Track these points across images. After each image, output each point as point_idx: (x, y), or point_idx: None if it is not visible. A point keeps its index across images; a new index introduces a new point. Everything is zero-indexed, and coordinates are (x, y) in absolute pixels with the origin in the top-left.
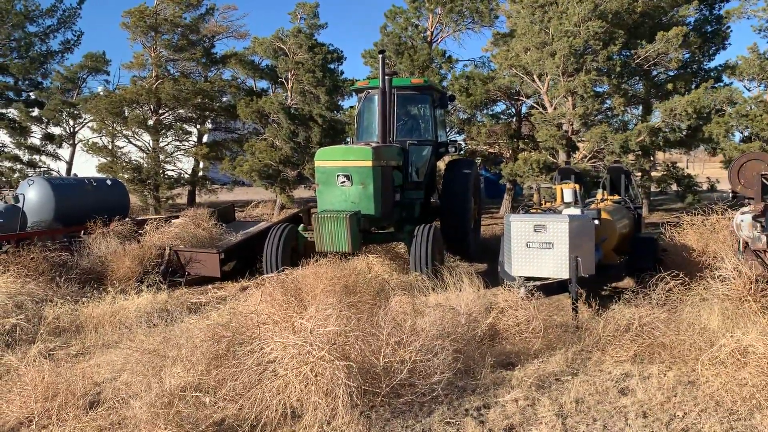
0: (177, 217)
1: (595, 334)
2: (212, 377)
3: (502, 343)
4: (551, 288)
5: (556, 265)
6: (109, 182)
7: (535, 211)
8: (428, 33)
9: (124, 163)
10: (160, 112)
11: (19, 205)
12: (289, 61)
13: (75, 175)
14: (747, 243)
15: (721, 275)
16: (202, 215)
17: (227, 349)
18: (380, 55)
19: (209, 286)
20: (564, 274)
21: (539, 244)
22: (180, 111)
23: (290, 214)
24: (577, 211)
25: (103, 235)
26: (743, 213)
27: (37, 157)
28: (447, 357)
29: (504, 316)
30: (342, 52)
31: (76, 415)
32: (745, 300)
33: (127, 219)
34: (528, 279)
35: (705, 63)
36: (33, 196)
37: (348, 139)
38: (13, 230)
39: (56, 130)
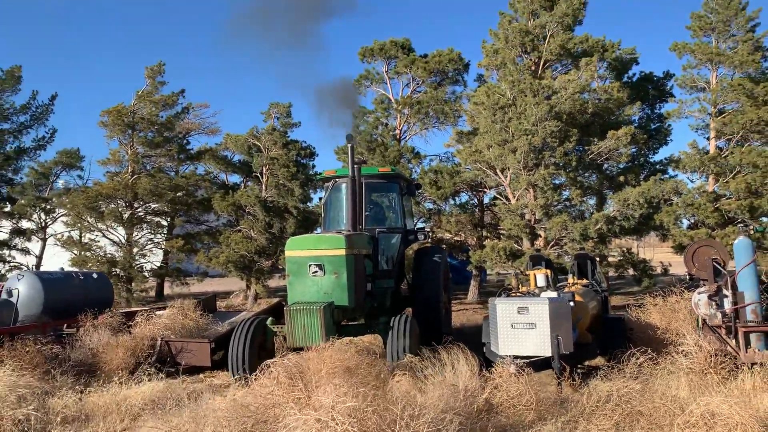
0: (163, 308)
1: (579, 405)
2: None
3: (498, 416)
4: (537, 364)
5: (539, 343)
6: (95, 276)
7: (515, 294)
8: (397, 131)
9: (98, 257)
10: (135, 206)
11: (13, 299)
12: (264, 156)
13: (62, 269)
14: (705, 320)
15: (683, 350)
16: (188, 306)
17: (253, 427)
18: (349, 143)
19: (201, 375)
20: (547, 351)
21: (523, 324)
22: (154, 205)
23: (271, 305)
24: (554, 294)
25: (94, 328)
26: (700, 293)
27: (6, 251)
28: (454, 429)
29: (498, 391)
30: (314, 148)
31: None
32: (707, 372)
33: (117, 312)
34: (515, 357)
35: (650, 156)
36: (22, 290)
37: (317, 229)
38: (6, 324)
39: (26, 224)
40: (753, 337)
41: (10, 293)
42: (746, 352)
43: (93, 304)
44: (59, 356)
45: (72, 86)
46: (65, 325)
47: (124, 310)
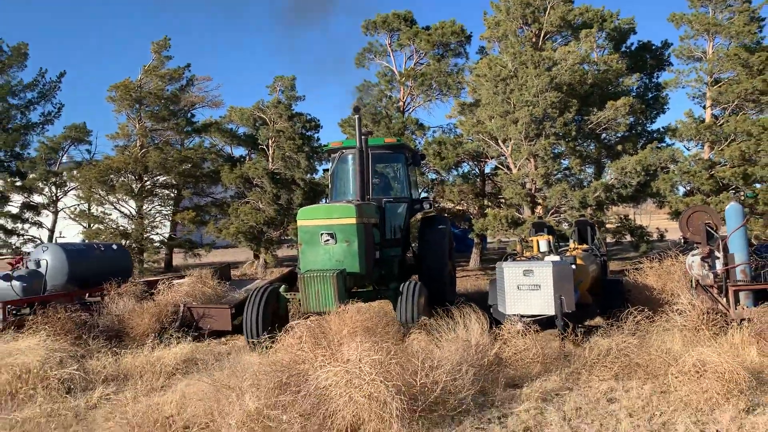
0: (182, 277)
1: (582, 359)
2: (280, 401)
3: (507, 368)
4: (542, 322)
5: (543, 303)
6: (114, 247)
7: (520, 259)
8: (401, 103)
9: (111, 229)
10: (144, 179)
11: (41, 270)
12: (270, 129)
13: (83, 240)
14: (698, 280)
15: (678, 309)
16: (206, 274)
17: (288, 379)
18: (356, 114)
19: (223, 339)
20: (551, 310)
21: (528, 286)
22: (163, 178)
23: (284, 273)
24: (557, 258)
25: (118, 296)
26: (693, 255)
27: (19, 225)
28: (468, 378)
29: (507, 346)
30: (318, 120)
31: None
32: (700, 329)
33: (139, 280)
34: (522, 316)
35: (648, 125)
36: (48, 260)
37: (323, 200)
38: (37, 293)
39: (37, 199)
40: (742, 295)
41: (38, 264)
42: (736, 309)
43: (113, 273)
44: (87, 323)
45: (74, 61)
46: (86, 294)
47: (145, 279)
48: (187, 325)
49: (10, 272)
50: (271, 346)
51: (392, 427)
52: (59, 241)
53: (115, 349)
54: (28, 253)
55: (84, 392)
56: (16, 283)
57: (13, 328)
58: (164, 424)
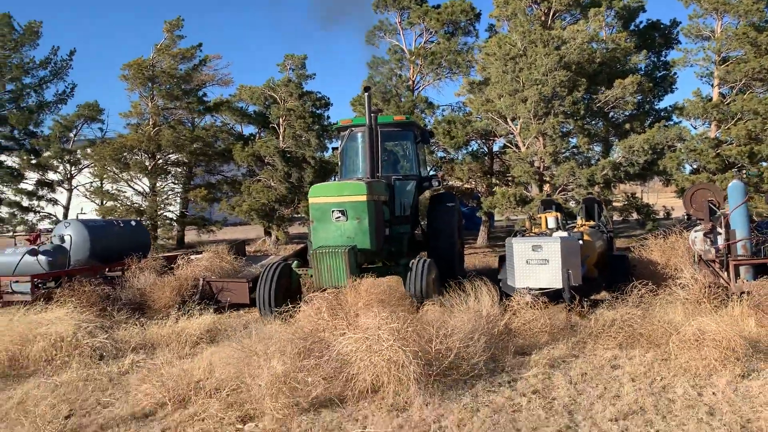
0: (200, 252)
1: (587, 329)
2: (304, 365)
3: (516, 338)
4: (549, 295)
5: (551, 277)
6: (133, 223)
7: (529, 235)
8: (410, 82)
9: (126, 206)
10: (157, 157)
11: (66, 245)
12: (280, 107)
13: (102, 217)
14: (700, 255)
15: (681, 282)
16: (223, 250)
17: (311, 345)
18: (366, 93)
19: (241, 311)
20: (558, 284)
21: (537, 260)
22: (174, 156)
23: (297, 249)
24: (565, 234)
25: (140, 270)
26: (696, 231)
27: (35, 202)
28: (480, 346)
29: (516, 317)
30: (329, 98)
31: (203, 397)
32: (701, 302)
33: (159, 255)
34: (530, 289)
35: (656, 104)
36: (72, 236)
37: (333, 177)
38: (62, 267)
39: (51, 176)
40: (742, 269)
41: (62, 239)
42: (736, 282)
43: (133, 249)
44: (110, 296)
45: (85, 41)
46: (107, 269)
47: (164, 255)
48: (207, 298)
49: (36, 247)
50: (291, 317)
51: (410, 389)
52: (80, 217)
53: (141, 319)
54: (45, 230)
55: (115, 359)
56: (42, 258)
57: (42, 300)
58: (196, 387)
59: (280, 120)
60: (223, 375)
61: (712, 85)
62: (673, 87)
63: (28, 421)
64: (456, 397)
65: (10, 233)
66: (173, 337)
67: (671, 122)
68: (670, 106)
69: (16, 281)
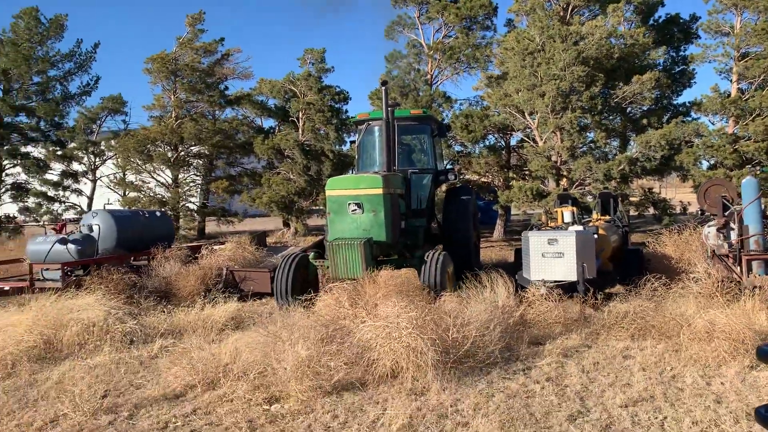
0: (223, 243)
1: (600, 320)
2: (327, 350)
3: (531, 329)
4: (564, 287)
5: (566, 269)
6: (158, 213)
7: (545, 228)
8: (428, 76)
9: (149, 197)
10: (179, 149)
11: (94, 234)
12: (300, 101)
13: (127, 208)
14: (714, 250)
15: (694, 277)
16: (245, 241)
17: (333, 332)
18: (383, 87)
19: (263, 300)
20: (573, 277)
21: (552, 254)
22: (196, 149)
23: (315, 241)
24: (580, 228)
25: (165, 259)
26: (710, 226)
27: (60, 192)
28: (496, 335)
29: (531, 308)
30: (348, 92)
31: (231, 380)
32: (714, 296)
33: (183, 245)
34: (545, 282)
35: (674, 99)
36: (99, 225)
37: (351, 171)
38: (90, 256)
39: (76, 167)
40: (755, 264)
41: (90, 229)
42: (748, 277)
43: (158, 239)
44: (137, 284)
45: (108, 35)
46: (133, 258)
47: (188, 245)
48: (230, 286)
49: (66, 236)
50: (311, 306)
51: (427, 375)
52: (107, 208)
53: (168, 306)
54: (71, 220)
55: (144, 344)
56: (71, 246)
57: (72, 287)
58: (225, 370)
59: (300, 113)
60: (249, 359)
61: (730, 81)
62: (692, 82)
63: (67, 399)
64: (472, 383)
65: (40, 223)
66: (199, 324)
67: (689, 118)
68: (687, 101)
69: (47, 269)
